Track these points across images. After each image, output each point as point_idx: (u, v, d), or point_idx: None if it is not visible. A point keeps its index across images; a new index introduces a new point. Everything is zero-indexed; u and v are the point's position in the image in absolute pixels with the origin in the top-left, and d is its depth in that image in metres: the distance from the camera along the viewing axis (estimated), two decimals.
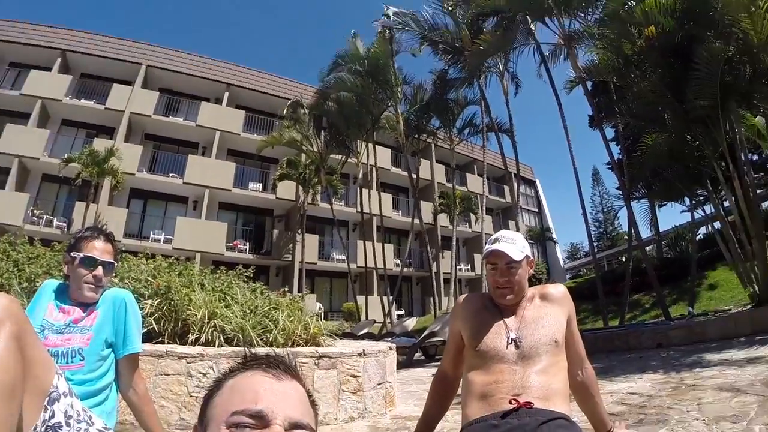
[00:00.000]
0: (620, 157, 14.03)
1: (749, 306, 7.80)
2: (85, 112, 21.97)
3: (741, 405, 2.79)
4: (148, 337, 2.44)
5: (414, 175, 20.45)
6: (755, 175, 10.46)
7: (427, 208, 25.99)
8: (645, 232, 14.65)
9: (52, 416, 1.37)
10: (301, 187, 23.46)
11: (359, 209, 22.53)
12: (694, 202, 11.28)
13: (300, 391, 0.84)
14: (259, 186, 25.06)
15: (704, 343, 6.62)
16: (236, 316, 3.76)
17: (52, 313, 2.03)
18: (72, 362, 1.94)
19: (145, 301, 3.30)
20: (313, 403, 0.86)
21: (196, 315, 3.49)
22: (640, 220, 13.09)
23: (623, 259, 19.41)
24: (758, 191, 9.65)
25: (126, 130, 21.85)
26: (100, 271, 2.08)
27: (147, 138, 23.47)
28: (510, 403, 1.71)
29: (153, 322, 3.30)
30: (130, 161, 19.81)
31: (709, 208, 10.89)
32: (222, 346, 3.41)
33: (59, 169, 17.72)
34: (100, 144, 19.16)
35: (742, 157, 8.27)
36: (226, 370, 0.87)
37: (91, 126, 22.42)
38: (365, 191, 22.48)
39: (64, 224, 19.44)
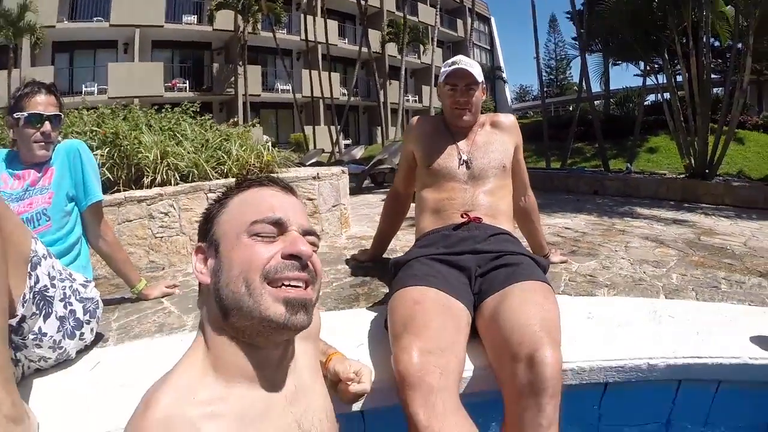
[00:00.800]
0: (582, 8, 13.67)
1: (683, 175, 8.24)
2: None
3: (663, 255, 3.09)
4: (104, 188, 2.38)
5: (363, 1, 19.18)
6: (712, 60, 10.52)
7: (375, 36, 24.87)
8: (595, 87, 14.88)
9: (37, 281, 1.41)
10: (240, 16, 21.73)
11: (303, 37, 21.46)
12: (648, 68, 11.31)
13: (302, 205, 0.93)
14: (194, 18, 23.13)
15: (637, 198, 7.02)
16: (188, 153, 3.69)
17: (7, 182, 1.97)
18: (39, 225, 1.92)
19: (95, 152, 3.16)
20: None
21: (148, 157, 3.39)
22: (593, 74, 13.14)
23: (570, 109, 19.81)
24: (712, 76, 9.76)
25: None
26: (47, 126, 1.98)
27: None
28: (461, 217, 1.86)
29: (106, 172, 3.20)
30: (47, 12, 17.72)
31: (661, 78, 10.97)
32: (178, 183, 3.41)
33: None
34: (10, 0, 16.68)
35: (704, 39, 8.23)
36: (224, 192, 0.92)
37: None
38: (310, 18, 21.19)
39: None
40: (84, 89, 19.26)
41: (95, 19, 20.03)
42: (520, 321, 1.29)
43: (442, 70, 2.09)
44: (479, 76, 2.04)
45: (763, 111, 18.43)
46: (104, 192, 2.18)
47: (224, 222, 0.86)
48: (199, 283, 0.88)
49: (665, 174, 9.15)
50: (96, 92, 19.26)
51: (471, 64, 2.03)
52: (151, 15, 20.66)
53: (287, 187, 0.92)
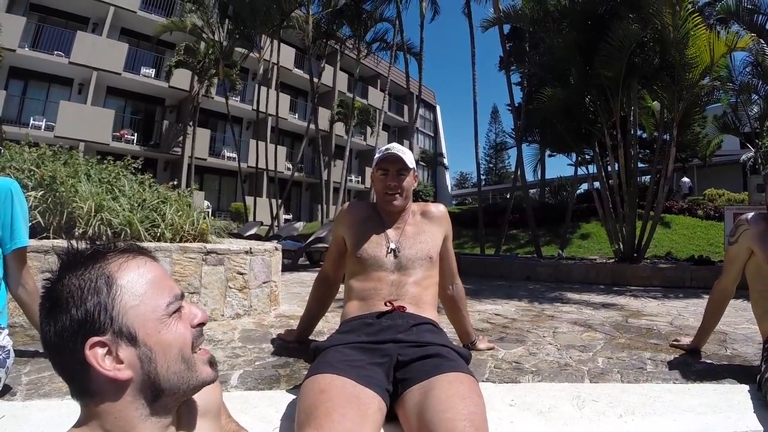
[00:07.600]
0: (521, 102, 14.52)
1: (612, 260, 8.63)
2: None
3: (590, 339, 3.15)
4: (32, 232, 2.25)
5: (316, 80, 19.56)
6: (640, 150, 11.23)
7: (324, 114, 25.49)
8: (531, 176, 15.57)
9: None
10: (196, 78, 21.94)
11: (255, 107, 21.60)
12: (580, 158, 12.03)
13: None
14: (152, 72, 23.10)
15: (568, 284, 7.22)
16: (124, 210, 3.59)
17: None
18: None
19: (29, 193, 3.05)
20: None
21: (82, 207, 3.30)
22: (528, 164, 13.85)
23: (507, 196, 20.62)
24: (639, 165, 10.46)
25: None
26: None
27: (32, 9, 20.35)
28: (385, 305, 1.87)
29: (38, 215, 3.09)
30: (10, 35, 17.20)
31: (592, 168, 11.68)
32: (109, 239, 3.25)
33: None
34: None
35: (632, 131, 8.92)
36: (86, 275, 0.79)
37: None
38: (263, 89, 21.35)
39: None
40: (32, 122, 18.79)
41: (56, 53, 19.69)
42: (447, 415, 1.28)
43: (375, 156, 2.14)
44: (410, 163, 2.08)
45: (688, 195, 19.47)
46: (33, 237, 2.06)
47: (132, 308, 0.80)
48: (90, 380, 0.78)
49: (596, 259, 9.51)
50: (44, 128, 18.72)
51: (403, 151, 2.09)
52: (111, 60, 20.51)
53: (147, 252, 0.90)
